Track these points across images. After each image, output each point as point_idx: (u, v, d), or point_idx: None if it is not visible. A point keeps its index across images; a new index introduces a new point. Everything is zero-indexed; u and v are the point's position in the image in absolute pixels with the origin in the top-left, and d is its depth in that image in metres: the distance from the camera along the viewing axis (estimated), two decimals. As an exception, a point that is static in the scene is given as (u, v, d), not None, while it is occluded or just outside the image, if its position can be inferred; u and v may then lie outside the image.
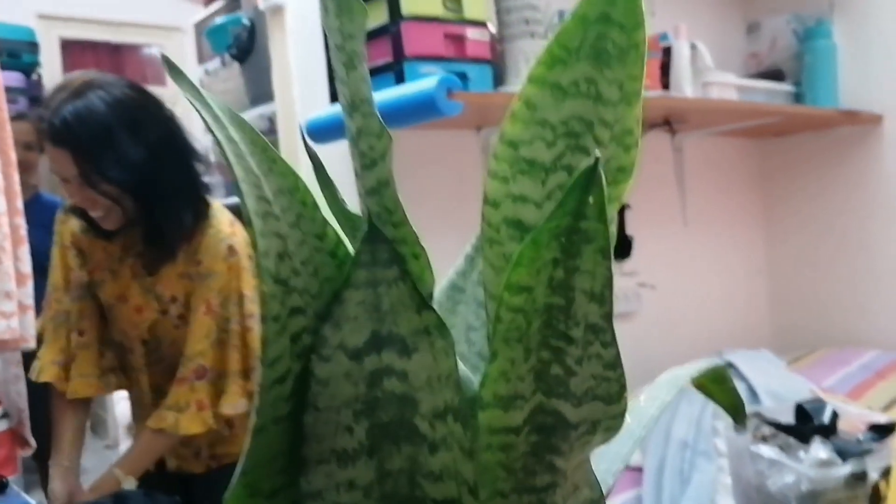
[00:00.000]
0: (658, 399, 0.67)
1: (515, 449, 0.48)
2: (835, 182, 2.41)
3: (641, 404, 0.67)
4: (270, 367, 0.44)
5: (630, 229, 2.16)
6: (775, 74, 2.25)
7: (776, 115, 2.04)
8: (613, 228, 0.48)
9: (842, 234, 2.41)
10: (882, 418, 1.36)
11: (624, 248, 2.14)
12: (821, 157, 2.43)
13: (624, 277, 2.21)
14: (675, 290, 2.34)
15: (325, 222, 0.51)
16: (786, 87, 2.19)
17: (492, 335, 0.46)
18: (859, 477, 1.21)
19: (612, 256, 0.44)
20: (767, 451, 1.26)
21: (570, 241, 0.43)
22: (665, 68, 1.86)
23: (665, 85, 1.85)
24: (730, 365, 1.86)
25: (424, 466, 0.48)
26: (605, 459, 0.62)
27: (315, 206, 0.50)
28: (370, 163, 0.48)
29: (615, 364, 0.47)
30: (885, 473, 1.22)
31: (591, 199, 0.41)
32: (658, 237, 2.30)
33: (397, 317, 0.46)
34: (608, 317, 0.46)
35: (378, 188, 0.48)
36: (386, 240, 0.46)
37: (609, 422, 0.50)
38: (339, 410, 0.47)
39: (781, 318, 2.62)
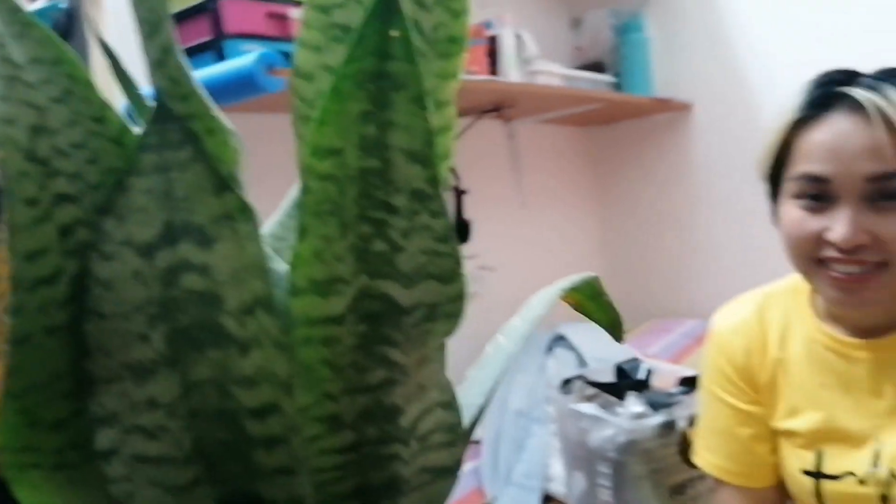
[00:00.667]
0: (530, 316, 0.64)
1: (340, 342, 0.43)
2: (655, 166, 2.59)
3: (513, 323, 0.63)
4: (29, 261, 0.39)
5: (468, 213, 2.23)
6: (597, 66, 2.39)
7: (598, 101, 2.17)
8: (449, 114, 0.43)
9: (663, 214, 2.60)
10: (689, 372, 1.48)
11: (463, 231, 2.20)
12: (641, 143, 2.61)
13: (465, 261, 2.27)
14: (515, 270, 2.43)
15: (106, 105, 0.45)
16: (606, 77, 2.33)
17: (301, 210, 0.40)
18: (669, 426, 1.31)
19: (427, 106, 0.39)
20: (588, 408, 1.35)
21: (378, 89, 0.38)
22: (492, 56, 1.94)
23: (493, 72, 1.92)
24: (561, 337, 1.96)
25: (235, 371, 0.42)
26: (476, 383, 0.59)
27: (90, 85, 0.44)
28: (151, 29, 0.42)
29: (446, 236, 0.43)
30: (692, 421, 1.33)
31: (394, 34, 0.37)
32: (497, 221, 2.38)
33: (193, 203, 0.40)
34: (434, 181, 0.41)
35: (162, 58, 0.42)
36: (175, 117, 0.40)
37: (448, 306, 0.45)
38: (130, 316, 0.41)
39: (614, 294, 2.77)
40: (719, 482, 1.10)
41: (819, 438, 0.99)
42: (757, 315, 1.07)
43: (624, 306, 2.77)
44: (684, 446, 1.32)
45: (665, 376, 1.49)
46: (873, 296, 0.89)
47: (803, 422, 1.00)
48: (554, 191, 2.62)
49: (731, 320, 1.09)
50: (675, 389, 1.41)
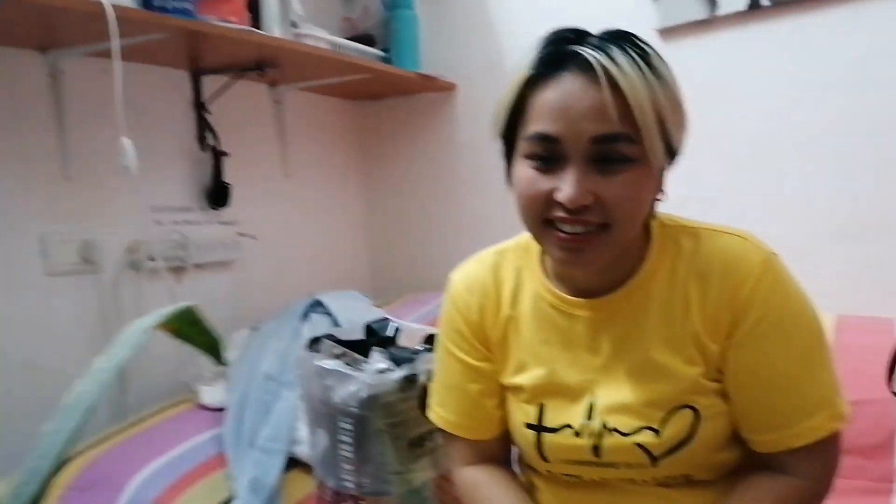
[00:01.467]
0: (116, 358, 0.56)
1: None
2: (421, 144, 2.64)
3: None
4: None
5: (228, 178, 2.13)
6: (366, 39, 2.38)
7: (365, 71, 2.16)
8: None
9: (428, 191, 2.65)
10: (435, 330, 1.52)
11: (221, 195, 2.10)
12: (408, 120, 2.64)
13: (223, 226, 2.17)
14: (277, 240, 2.36)
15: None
16: (375, 51, 2.34)
17: None
18: (411, 380, 1.33)
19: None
20: (332, 364, 1.33)
21: None
22: (255, 11, 1.86)
23: (255, 27, 1.84)
24: (318, 303, 1.93)
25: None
26: (48, 440, 0.51)
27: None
28: None
29: None
30: (430, 375, 1.36)
31: None
32: (259, 188, 2.30)
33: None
34: None
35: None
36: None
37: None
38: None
39: (378, 269, 2.80)
40: (450, 436, 1.12)
41: (541, 393, 1.03)
42: (492, 273, 1.09)
43: (386, 280, 2.84)
44: (423, 400, 1.35)
45: (412, 335, 1.52)
46: (595, 257, 0.92)
47: (528, 377, 1.04)
48: (320, 162, 2.58)
49: (466, 279, 1.11)
50: (420, 346, 1.44)
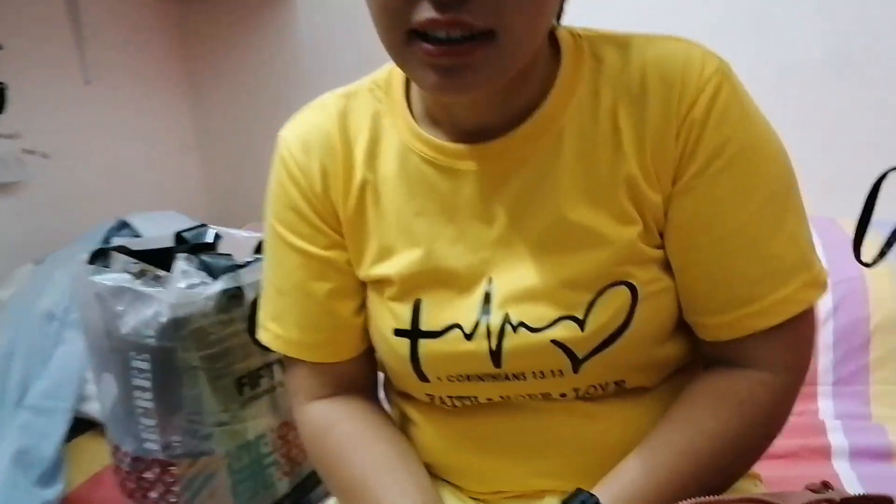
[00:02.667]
0: None
1: None
2: (256, 48, 2.24)
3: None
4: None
5: (4, 76, 1.65)
6: None
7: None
8: None
9: (268, 102, 2.26)
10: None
11: (-9, 96, 1.62)
12: (239, 21, 2.24)
13: (2, 140, 1.70)
14: (77, 158, 1.91)
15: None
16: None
17: None
18: (233, 296, 0.96)
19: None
20: (119, 281, 0.94)
21: None
22: None
23: None
24: (124, 224, 1.51)
25: None
26: None
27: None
28: None
29: None
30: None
31: None
32: (51, 95, 1.83)
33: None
34: None
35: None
36: None
37: None
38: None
39: (217, 192, 2.40)
40: (290, 361, 0.79)
41: (416, 284, 0.71)
42: (338, 124, 0.75)
43: (227, 206, 2.37)
44: (254, 321, 0.99)
45: (239, 244, 1.14)
46: (480, 78, 0.61)
47: (397, 264, 0.72)
48: (131, 67, 2.12)
49: (302, 134, 0.76)
50: (249, 258, 1.06)
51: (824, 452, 1.05)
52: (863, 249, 0.85)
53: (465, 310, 0.70)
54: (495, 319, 0.69)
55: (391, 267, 0.73)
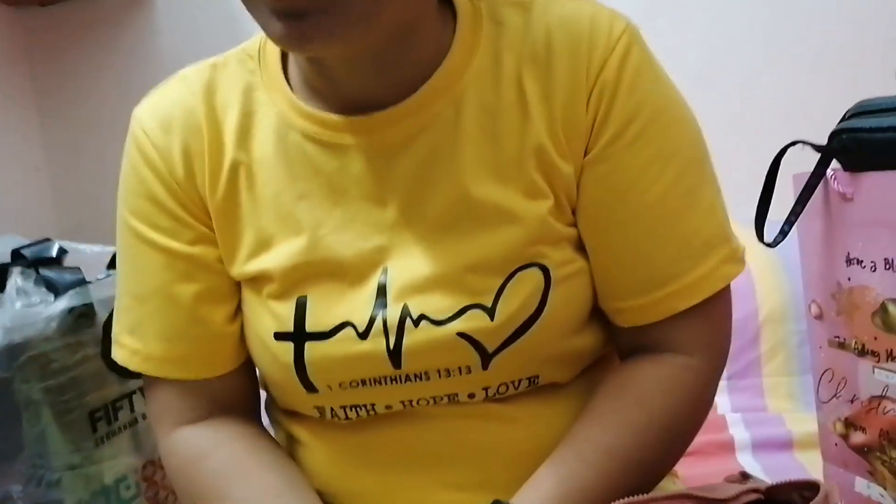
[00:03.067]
0: None
1: None
2: (109, 61, 2.09)
3: None
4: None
5: None
6: None
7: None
8: None
9: (125, 118, 2.09)
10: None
11: None
12: (90, 32, 2.08)
13: None
14: None
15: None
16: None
17: None
18: (83, 314, 0.83)
19: None
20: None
21: None
22: None
23: None
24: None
25: None
26: None
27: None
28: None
29: None
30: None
31: None
32: None
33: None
34: None
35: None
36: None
37: None
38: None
39: (67, 214, 2.21)
40: (152, 382, 0.68)
41: (300, 279, 0.62)
42: (203, 98, 0.65)
43: (80, 232, 2.14)
44: (110, 345, 0.85)
45: (89, 260, 0.99)
46: (333, 24, 0.52)
47: (278, 256, 0.63)
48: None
49: (159, 111, 0.66)
50: (101, 274, 0.92)
51: (728, 447, 1.03)
52: (765, 230, 0.82)
53: (357, 305, 0.61)
54: (392, 313, 0.60)
55: (270, 260, 0.63)
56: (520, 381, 0.64)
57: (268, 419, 0.74)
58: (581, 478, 0.59)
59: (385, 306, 0.60)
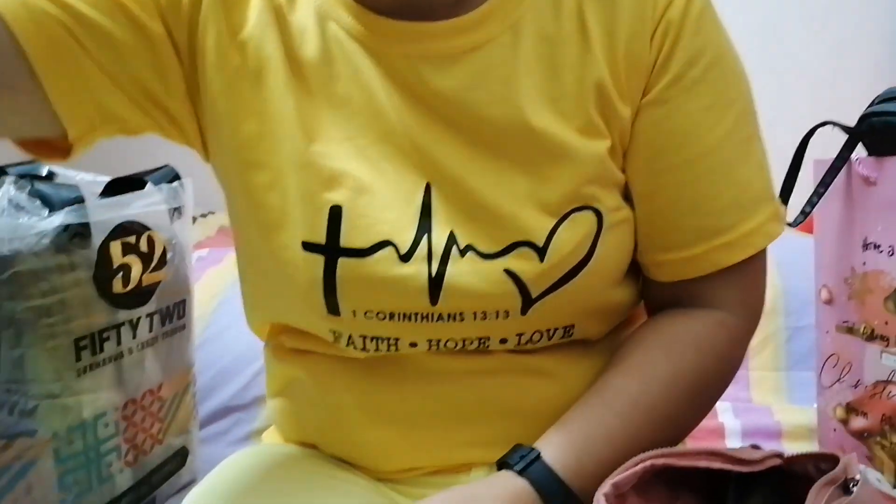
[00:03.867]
0: None
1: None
2: None
3: None
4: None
5: None
6: None
7: None
8: None
9: None
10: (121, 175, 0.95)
11: None
12: None
13: None
14: None
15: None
16: None
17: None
18: (78, 234, 0.77)
19: None
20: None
21: None
22: None
23: None
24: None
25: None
26: None
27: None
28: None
29: None
30: (117, 232, 0.82)
31: None
32: None
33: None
34: None
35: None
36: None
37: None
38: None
39: None
40: None
41: (337, 179, 0.57)
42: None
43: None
44: (103, 270, 0.80)
45: (83, 187, 0.93)
46: None
47: (309, 151, 0.58)
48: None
49: None
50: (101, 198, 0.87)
51: (719, 433, 1.03)
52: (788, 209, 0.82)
53: (400, 224, 0.57)
54: (438, 238, 0.57)
55: (285, 156, 0.58)
56: (555, 330, 0.61)
57: (266, 356, 0.70)
58: (607, 425, 0.57)
59: (429, 230, 0.57)
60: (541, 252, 0.57)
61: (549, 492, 0.52)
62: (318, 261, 0.57)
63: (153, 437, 0.89)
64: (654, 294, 0.66)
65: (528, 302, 0.58)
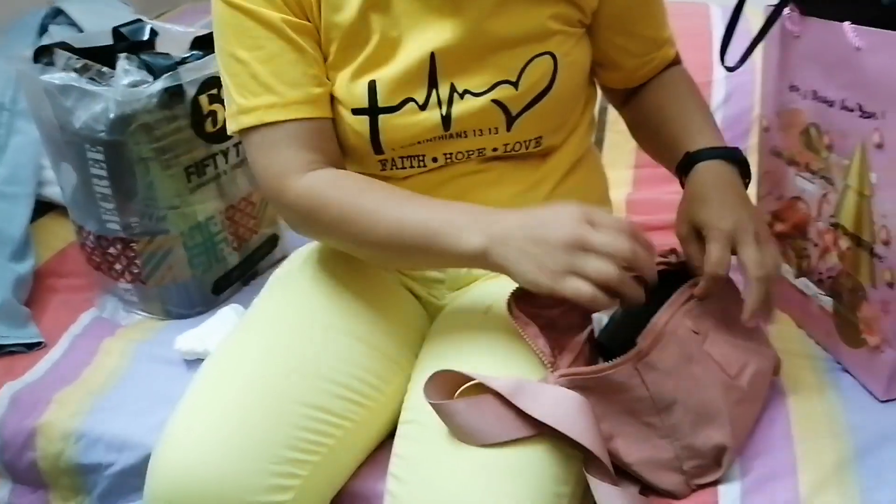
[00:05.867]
0: None
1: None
2: None
3: None
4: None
5: None
6: None
7: None
8: None
9: None
10: (205, 31, 1.21)
11: None
12: None
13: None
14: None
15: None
16: None
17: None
18: (175, 93, 1.05)
19: None
20: (65, 79, 1.02)
21: None
22: None
23: None
24: (59, 12, 1.53)
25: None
26: None
27: None
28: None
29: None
30: (205, 86, 1.09)
31: None
32: None
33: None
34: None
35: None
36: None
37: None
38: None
39: None
40: (275, 142, 0.81)
41: (369, 67, 0.82)
42: None
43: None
44: (197, 118, 1.09)
45: (175, 39, 1.20)
46: None
47: (351, 50, 0.82)
48: None
49: None
50: (188, 54, 1.14)
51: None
52: (727, 55, 0.98)
53: (415, 85, 0.82)
54: (444, 90, 0.82)
55: (348, 52, 0.82)
56: (529, 140, 0.87)
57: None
58: (714, 124, 0.91)
59: (437, 85, 0.82)
60: (515, 85, 0.82)
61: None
62: (364, 120, 0.82)
63: (250, 229, 1.23)
64: (620, 93, 0.99)
65: (510, 120, 0.84)
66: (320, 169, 0.82)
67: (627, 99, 1.00)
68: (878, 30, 0.78)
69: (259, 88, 0.80)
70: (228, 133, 0.85)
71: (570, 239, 0.68)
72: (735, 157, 0.85)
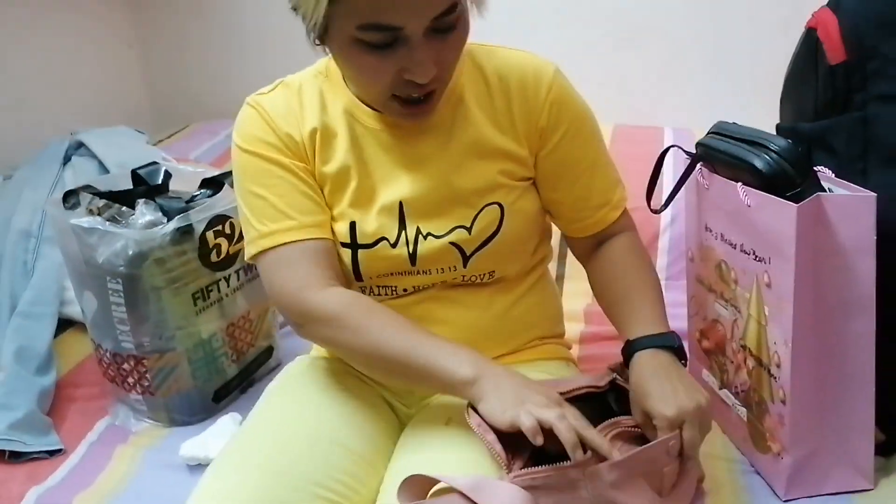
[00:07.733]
0: None
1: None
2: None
3: None
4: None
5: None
6: None
7: None
8: None
9: (205, 5, 2.38)
10: (213, 172, 1.40)
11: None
12: None
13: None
14: (25, 71, 2.05)
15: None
16: None
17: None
18: (186, 231, 1.23)
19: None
20: (90, 222, 1.20)
21: None
22: None
23: None
24: (81, 144, 1.72)
25: None
26: None
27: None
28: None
29: None
30: (211, 224, 1.26)
31: None
32: None
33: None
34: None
35: None
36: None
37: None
38: None
39: (157, 97, 2.54)
40: (291, 260, 0.97)
41: (351, 210, 1.00)
42: (296, 92, 1.02)
43: (167, 110, 2.54)
44: (204, 251, 1.26)
45: (187, 178, 1.39)
46: (434, 108, 0.95)
47: (340, 195, 1.01)
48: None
49: (265, 97, 1.02)
50: (197, 192, 1.32)
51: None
52: (652, 202, 1.16)
53: (388, 227, 1.00)
54: (411, 232, 1.00)
55: (337, 196, 1.01)
56: (483, 274, 1.04)
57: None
58: (656, 301, 1.03)
59: (405, 227, 1.00)
60: (468, 230, 1.00)
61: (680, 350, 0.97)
62: (348, 252, 1.01)
63: (248, 343, 1.39)
64: (578, 244, 1.13)
65: (465, 258, 1.01)
66: (337, 286, 0.97)
67: (583, 259, 1.14)
68: (762, 193, 0.96)
69: (277, 215, 0.97)
70: (246, 259, 1.01)
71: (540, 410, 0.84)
72: (671, 345, 0.95)
